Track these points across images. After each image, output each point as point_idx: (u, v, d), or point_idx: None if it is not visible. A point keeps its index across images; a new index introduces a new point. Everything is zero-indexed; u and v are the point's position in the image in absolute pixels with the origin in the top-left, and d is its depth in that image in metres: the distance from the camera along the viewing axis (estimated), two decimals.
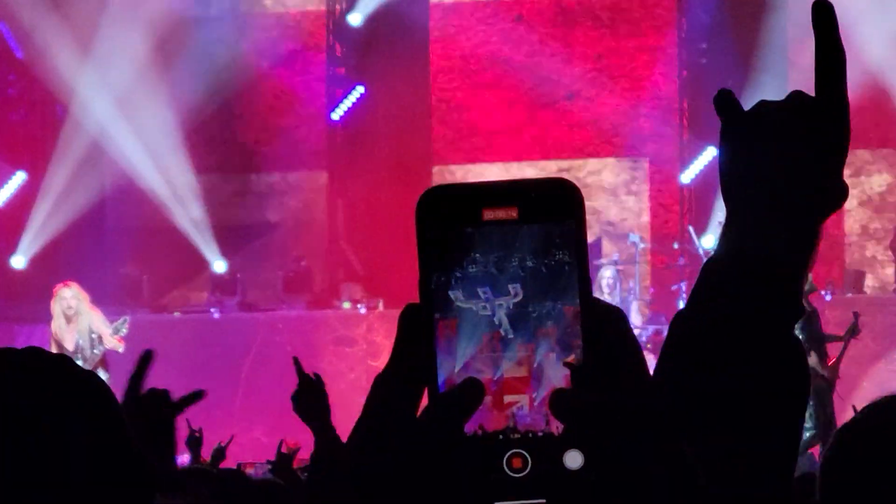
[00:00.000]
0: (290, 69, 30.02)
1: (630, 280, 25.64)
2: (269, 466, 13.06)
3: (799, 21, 28.34)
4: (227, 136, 29.97)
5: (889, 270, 28.28)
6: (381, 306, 28.10)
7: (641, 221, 29.20)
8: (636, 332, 14.37)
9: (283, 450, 12.24)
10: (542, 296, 2.03)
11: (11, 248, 29.07)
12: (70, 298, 24.21)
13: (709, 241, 27.32)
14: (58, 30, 28.62)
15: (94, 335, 23.71)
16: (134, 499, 2.78)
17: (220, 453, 14.12)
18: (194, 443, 13.96)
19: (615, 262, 27.40)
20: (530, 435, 2.02)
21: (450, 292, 2.04)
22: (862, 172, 28.87)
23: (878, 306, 26.35)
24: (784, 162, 2.78)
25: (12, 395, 2.80)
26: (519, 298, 2.03)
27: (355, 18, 29.99)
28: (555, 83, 29.17)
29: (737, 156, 2.82)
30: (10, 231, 29.05)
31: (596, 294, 2.19)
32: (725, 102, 2.82)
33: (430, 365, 2.02)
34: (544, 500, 1.99)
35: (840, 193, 2.80)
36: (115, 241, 29.26)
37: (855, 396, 21.25)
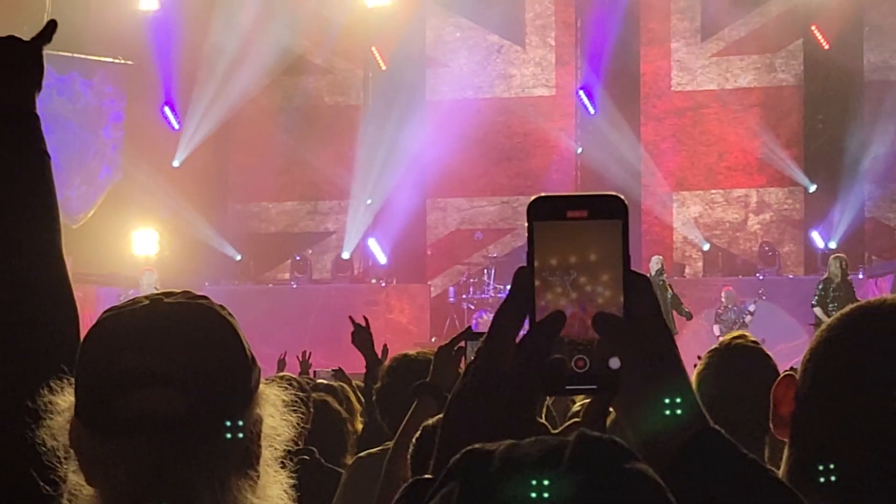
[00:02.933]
0: (342, 138, 29.46)
1: None
2: (332, 371, 12.36)
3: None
4: (304, 178, 29.70)
5: (700, 264, 28.24)
6: (394, 282, 27.84)
7: None
8: None
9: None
10: (595, 269, 2.02)
11: (169, 240, 28.22)
12: (154, 281, 23.11)
13: None
14: (200, 110, 28.23)
15: None
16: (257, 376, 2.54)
17: (306, 363, 13.35)
18: (305, 365, 13.38)
19: (494, 258, 27.38)
20: (589, 346, 2.02)
21: (541, 262, 2.03)
22: (683, 205, 28.77)
23: (693, 286, 26.46)
24: None
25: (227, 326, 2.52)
26: (581, 270, 2.02)
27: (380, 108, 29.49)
28: (499, 151, 29.14)
29: None
30: (170, 231, 28.35)
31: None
32: None
33: (531, 302, 2.02)
34: (595, 386, 2.04)
35: None
36: (235, 242, 29.03)
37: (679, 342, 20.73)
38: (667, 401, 2.03)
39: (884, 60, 27.85)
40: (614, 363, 2.01)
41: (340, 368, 11.47)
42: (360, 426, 8.58)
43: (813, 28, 27.85)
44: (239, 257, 28.97)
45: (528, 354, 1.99)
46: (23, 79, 3.11)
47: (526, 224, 2.00)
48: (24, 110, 3.09)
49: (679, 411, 2.00)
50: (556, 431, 2.12)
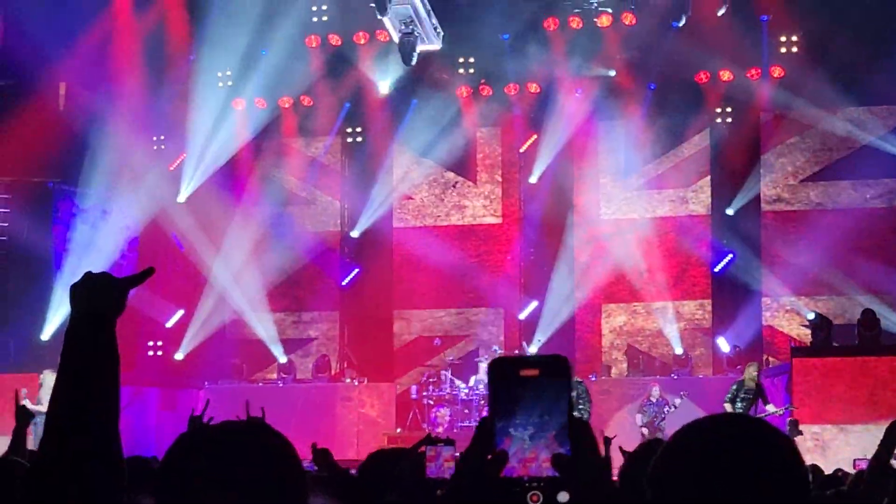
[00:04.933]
0: (321, 259, 29.83)
1: None
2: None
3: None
4: (289, 293, 29.71)
5: (623, 366, 28.18)
6: (366, 382, 27.75)
7: (499, 339, 28.49)
8: None
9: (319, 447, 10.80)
10: (545, 416, 2.08)
11: (175, 348, 28.48)
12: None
13: (533, 349, 26.58)
14: (202, 235, 28.36)
15: None
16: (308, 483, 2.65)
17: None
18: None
19: (451, 361, 27.73)
20: (542, 483, 2.06)
21: (500, 413, 2.11)
22: (610, 315, 28.82)
23: (618, 383, 26.67)
24: None
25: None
26: (534, 419, 2.08)
27: (354, 234, 29.83)
28: (455, 269, 29.01)
29: None
30: (175, 340, 28.61)
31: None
32: None
33: (491, 443, 2.08)
34: None
35: None
36: (231, 347, 29.07)
37: (608, 428, 20.28)
38: None
39: (776, 194, 28.33)
40: (563, 497, 2.07)
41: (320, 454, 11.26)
42: None
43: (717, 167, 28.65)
44: (234, 360, 28.73)
45: (479, 486, 2.08)
46: (104, 305, 3.15)
47: (487, 381, 2.13)
48: (99, 327, 3.13)
49: None
50: None
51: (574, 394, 20.51)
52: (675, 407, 23.47)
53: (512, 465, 2.11)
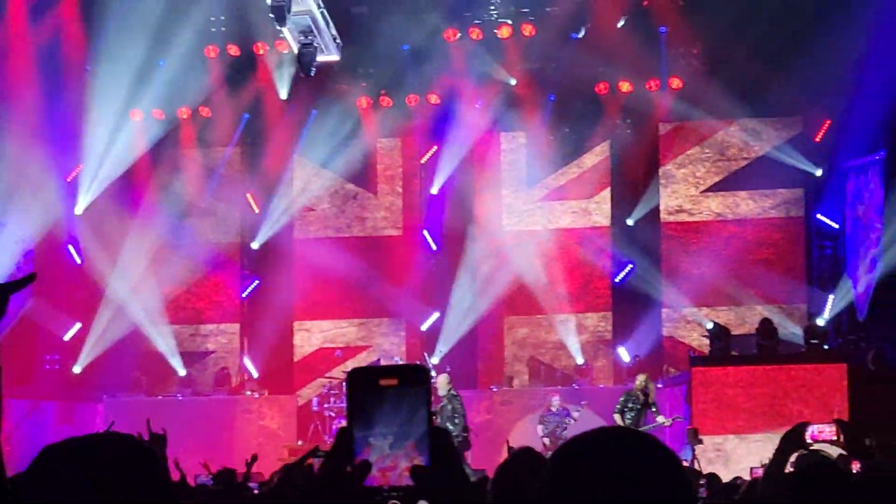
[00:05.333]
0: (221, 270, 29.75)
1: None
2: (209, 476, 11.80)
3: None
4: (188, 305, 29.60)
5: (525, 377, 28.28)
6: (266, 394, 27.84)
7: (401, 350, 28.64)
8: None
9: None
10: (405, 425, 2.10)
11: (73, 361, 28.02)
12: None
13: (435, 360, 26.47)
14: (99, 247, 28.11)
15: None
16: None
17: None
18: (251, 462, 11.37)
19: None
20: (401, 492, 2.09)
21: (360, 423, 2.12)
22: (513, 327, 29.06)
23: (519, 394, 26.84)
24: None
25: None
26: (393, 428, 2.10)
27: (255, 245, 29.62)
28: (356, 280, 28.92)
29: None
30: (73, 353, 28.07)
31: None
32: None
33: (352, 457, 2.10)
34: None
35: None
36: (130, 360, 28.53)
37: (510, 438, 20.81)
38: None
39: (677, 205, 28.60)
40: None
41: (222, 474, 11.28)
42: None
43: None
44: (133, 373, 28.38)
45: (338, 496, 2.10)
46: None
47: (346, 393, 2.15)
48: None
49: None
50: None
51: (450, 407, 20.89)
52: (575, 420, 23.62)
53: (372, 475, 2.13)
